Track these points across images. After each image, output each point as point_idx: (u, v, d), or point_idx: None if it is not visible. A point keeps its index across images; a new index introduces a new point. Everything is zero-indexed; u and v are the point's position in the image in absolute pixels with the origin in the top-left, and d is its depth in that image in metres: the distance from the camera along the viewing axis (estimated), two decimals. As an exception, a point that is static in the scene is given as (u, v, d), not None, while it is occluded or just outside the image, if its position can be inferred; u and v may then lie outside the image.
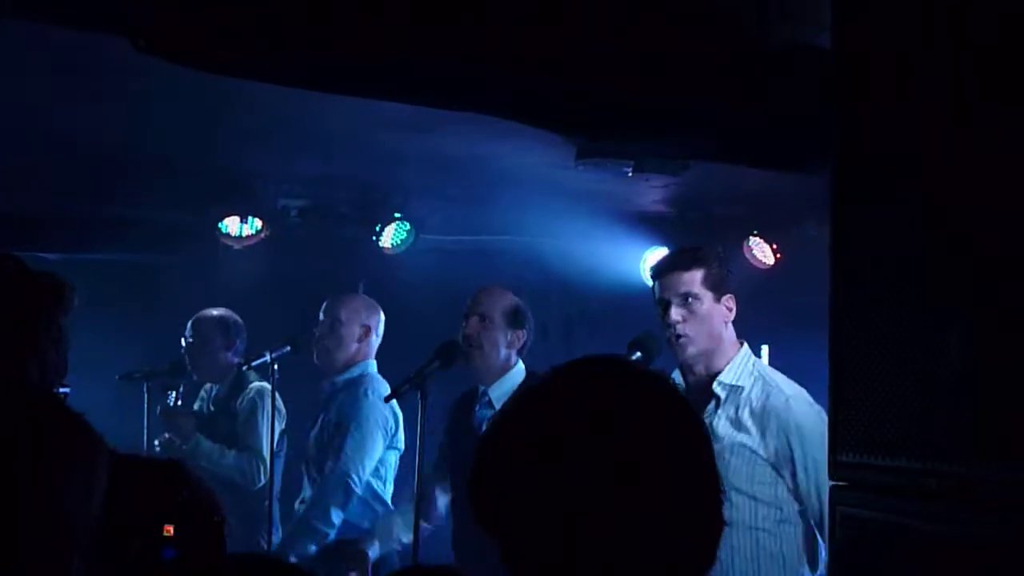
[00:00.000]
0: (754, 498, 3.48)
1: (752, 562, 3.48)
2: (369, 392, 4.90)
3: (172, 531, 1.55)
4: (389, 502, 4.96)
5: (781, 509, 3.51)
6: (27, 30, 3.00)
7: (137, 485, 1.73)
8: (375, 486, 4.92)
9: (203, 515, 1.59)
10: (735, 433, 3.51)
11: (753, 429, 3.51)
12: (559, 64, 3.11)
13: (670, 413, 1.38)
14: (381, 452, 4.90)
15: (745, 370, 3.62)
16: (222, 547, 1.61)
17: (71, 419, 1.42)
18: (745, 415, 3.53)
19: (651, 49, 3.17)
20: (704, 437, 1.39)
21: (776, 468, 3.49)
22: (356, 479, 4.79)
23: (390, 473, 5.01)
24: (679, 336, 3.59)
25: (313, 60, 2.97)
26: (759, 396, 3.55)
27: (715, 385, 3.56)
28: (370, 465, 4.84)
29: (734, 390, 3.57)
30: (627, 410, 1.35)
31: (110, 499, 1.41)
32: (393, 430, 4.94)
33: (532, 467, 1.33)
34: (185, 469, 1.76)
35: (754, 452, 3.49)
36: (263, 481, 5.04)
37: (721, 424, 3.53)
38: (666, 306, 3.62)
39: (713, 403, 3.56)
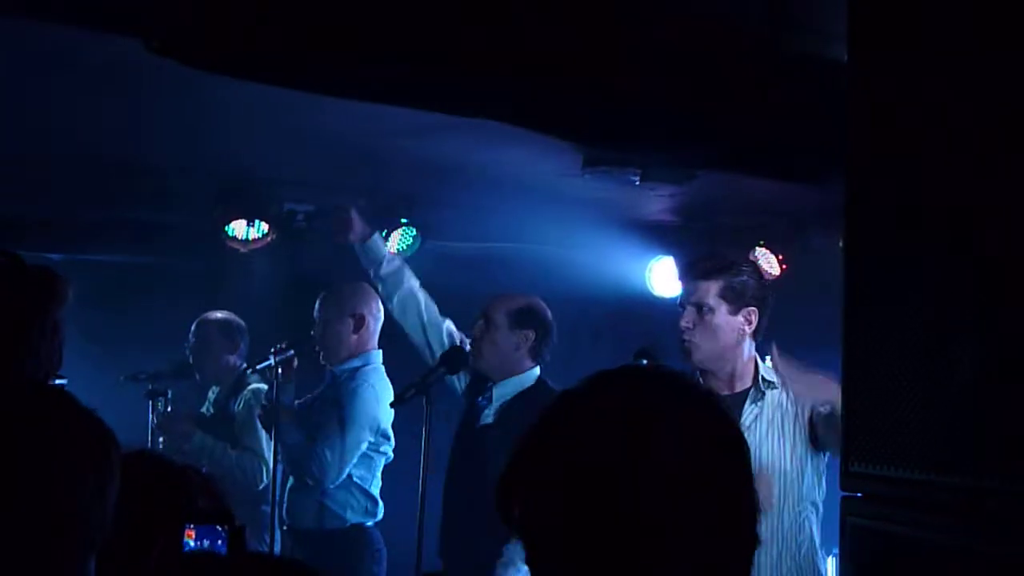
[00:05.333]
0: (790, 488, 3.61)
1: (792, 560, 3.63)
2: (363, 387, 4.87)
3: (193, 535, 1.53)
4: (377, 495, 4.98)
5: (805, 499, 3.65)
6: (29, 29, 2.99)
7: (155, 484, 1.72)
8: (356, 476, 4.92)
9: (223, 519, 1.58)
10: (777, 431, 3.63)
11: (792, 421, 3.63)
12: (568, 72, 3.11)
13: (719, 428, 1.36)
14: (363, 448, 4.90)
15: (770, 371, 3.73)
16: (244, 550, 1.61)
17: (80, 415, 1.41)
18: (787, 410, 3.64)
19: (660, 59, 3.17)
20: (746, 452, 1.37)
21: (810, 439, 3.61)
22: (327, 461, 4.79)
23: (377, 468, 5.02)
24: (684, 342, 3.70)
25: (323, 64, 2.97)
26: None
27: (760, 382, 3.67)
28: (350, 458, 4.84)
29: (771, 386, 3.68)
30: (676, 428, 1.32)
31: (126, 499, 1.40)
32: (378, 430, 4.95)
33: (571, 482, 1.30)
34: (202, 474, 1.75)
35: (794, 445, 3.61)
36: (265, 481, 5.03)
37: (763, 422, 3.64)
38: (683, 311, 3.70)
39: (755, 395, 3.66)
